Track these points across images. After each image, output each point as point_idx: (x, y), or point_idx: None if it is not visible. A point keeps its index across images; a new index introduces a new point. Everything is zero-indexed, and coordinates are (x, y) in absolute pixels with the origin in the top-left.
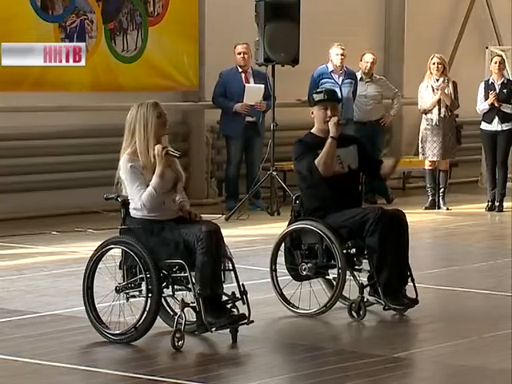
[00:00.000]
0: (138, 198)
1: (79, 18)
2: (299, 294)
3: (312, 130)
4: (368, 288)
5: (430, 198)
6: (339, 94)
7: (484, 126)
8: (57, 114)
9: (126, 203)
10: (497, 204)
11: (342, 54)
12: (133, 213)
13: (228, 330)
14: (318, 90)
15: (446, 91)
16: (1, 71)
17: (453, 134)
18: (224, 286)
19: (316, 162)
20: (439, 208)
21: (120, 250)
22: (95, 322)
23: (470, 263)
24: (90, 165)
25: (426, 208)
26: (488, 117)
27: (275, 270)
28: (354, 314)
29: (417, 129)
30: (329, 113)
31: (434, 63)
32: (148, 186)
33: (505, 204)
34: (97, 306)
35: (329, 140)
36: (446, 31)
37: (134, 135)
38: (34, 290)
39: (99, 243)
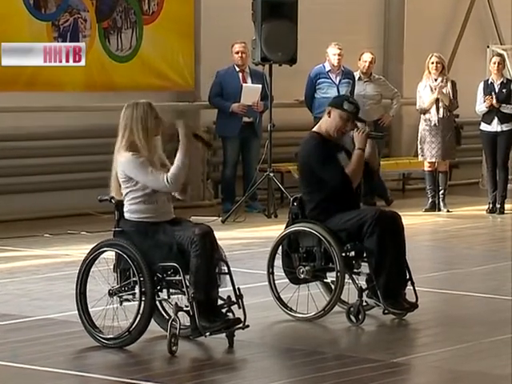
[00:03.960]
0: (162, 179)
1: (72, 17)
2: (297, 298)
3: (318, 131)
4: (367, 290)
5: (430, 200)
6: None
7: (484, 126)
8: (49, 115)
9: (119, 205)
10: (498, 206)
11: (339, 54)
12: (127, 215)
13: (223, 334)
14: (351, 101)
15: (443, 90)
16: None
17: (452, 135)
18: (219, 289)
19: (348, 173)
20: (439, 210)
21: (113, 253)
22: (88, 327)
23: (471, 266)
24: (83, 166)
25: (426, 210)
26: (487, 117)
27: (272, 273)
28: (353, 319)
29: (417, 129)
30: (348, 126)
31: (432, 62)
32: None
33: (506, 206)
34: (90, 309)
35: (357, 151)
36: (447, 30)
37: (132, 135)
38: (26, 293)
39: (92, 246)
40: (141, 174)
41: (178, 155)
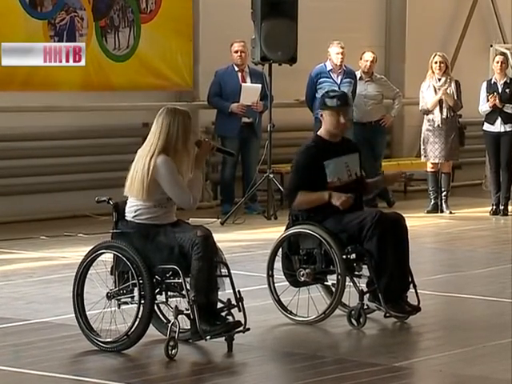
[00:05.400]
0: (188, 196)
1: (69, 15)
2: (297, 301)
3: (320, 133)
4: (368, 294)
5: (433, 202)
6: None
7: (487, 127)
8: (46, 115)
9: (118, 206)
10: (501, 208)
11: (341, 53)
12: (130, 216)
13: (223, 338)
14: (331, 95)
15: (447, 91)
16: None
17: (456, 135)
18: (218, 292)
19: (299, 198)
20: (442, 212)
21: (111, 255)
22: (86, 330)
23: (474, 269)
24: (80, 167)
25: (428, 212)
26: (490, 118)
27: (272, 276)
28: (354, 322)
29: (419, 130)
30: (341, 119)
31: (435, 62)
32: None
33: (509, 208)
34: (87, 313)
35: (327, 197)
36: (449, 28)
37: (177, 142)
38: (22, 296)
39: (90, 248)
40: (170, 182)
41: (199, 175)
